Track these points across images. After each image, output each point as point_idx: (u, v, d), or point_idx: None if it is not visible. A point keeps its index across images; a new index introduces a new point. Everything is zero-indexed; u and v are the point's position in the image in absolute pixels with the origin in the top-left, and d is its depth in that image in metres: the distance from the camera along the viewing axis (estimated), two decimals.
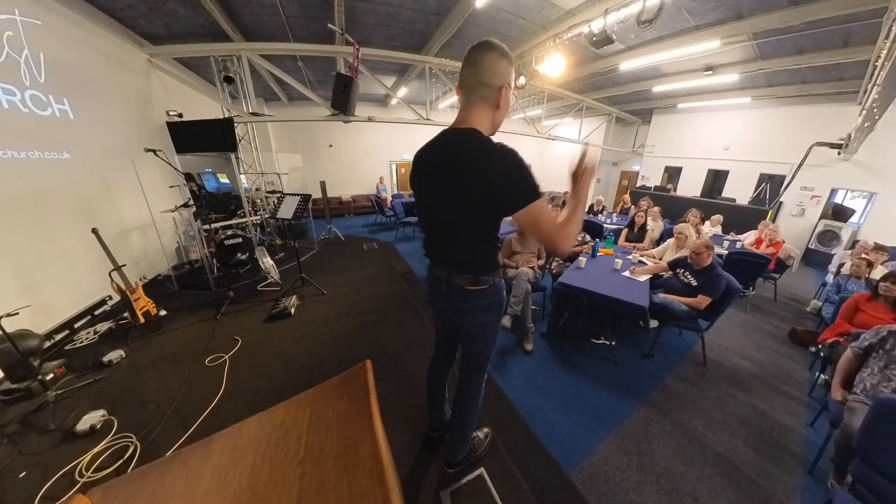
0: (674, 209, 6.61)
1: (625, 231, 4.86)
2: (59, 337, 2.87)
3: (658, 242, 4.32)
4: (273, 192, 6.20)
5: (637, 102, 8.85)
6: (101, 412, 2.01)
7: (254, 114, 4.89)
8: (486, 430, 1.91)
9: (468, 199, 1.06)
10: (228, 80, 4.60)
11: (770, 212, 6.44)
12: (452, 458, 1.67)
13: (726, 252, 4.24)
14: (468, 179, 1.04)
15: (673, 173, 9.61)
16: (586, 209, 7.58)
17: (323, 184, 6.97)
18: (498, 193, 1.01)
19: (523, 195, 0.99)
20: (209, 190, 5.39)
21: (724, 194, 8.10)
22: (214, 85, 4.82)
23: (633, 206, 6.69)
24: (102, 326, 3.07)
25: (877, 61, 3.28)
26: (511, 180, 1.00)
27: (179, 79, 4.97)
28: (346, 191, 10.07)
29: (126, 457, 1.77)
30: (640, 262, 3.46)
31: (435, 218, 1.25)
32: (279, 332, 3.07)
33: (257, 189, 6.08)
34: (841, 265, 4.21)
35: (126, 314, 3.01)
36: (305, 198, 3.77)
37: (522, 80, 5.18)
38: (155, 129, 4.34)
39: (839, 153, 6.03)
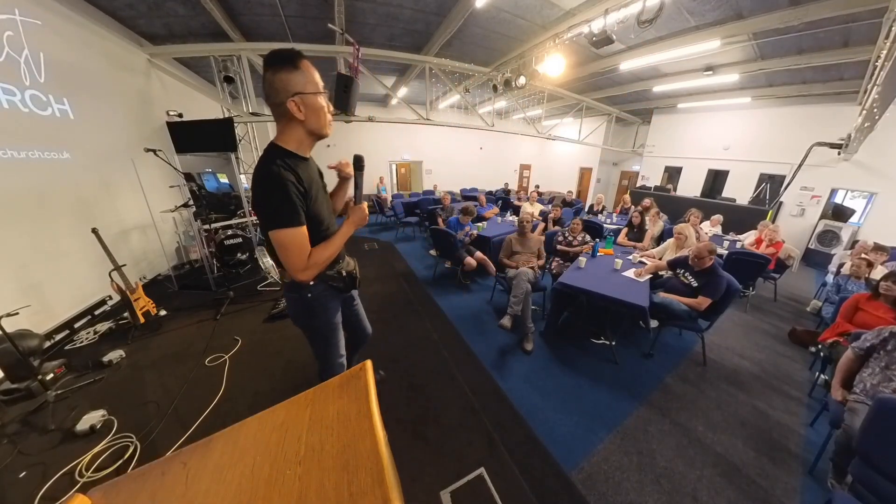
0: (674, 209, 6.61)
1: (624, 230, 4.86)
2: (59, 337, 2.87)
3: (658, 242, 4.32)
4: None
5: (637, 102, 8.85)
6: (101, 412, 2.01)
7: (254, 114, 4.89)
8: None
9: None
10: (228, 79, 4.60)
11: (770, 212, 6.44)
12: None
13: (726, 252, 4.24)
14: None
15: (673, 173, 9.61)
16: (586, 208, 7.63)
17: None
18: (255, 204, 1.09)
19: (267, 217, 1.05)
20: (209, 190, 5.38)
21: (724, 194, 8.10)
22: (214, 85, 4.81)
23: (632, 206, 6.68)
24: (102, 326, 3.07)
25: (877, 61, 3.28)
26: (263, 200, 1.05)
27: (179, 79, 4.97)
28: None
29: (126, 457, 1.77)
30: (641, 262, 3.46)
31: None
32: (279, 332, 3.07)
33: None
34: (841, 265, 4.21)
35: (126, 314, 3.02)
36: None
37: (522, 79, 5.17)
38: (155, 129, 4.34)
39: (839, 153, 6.03)
